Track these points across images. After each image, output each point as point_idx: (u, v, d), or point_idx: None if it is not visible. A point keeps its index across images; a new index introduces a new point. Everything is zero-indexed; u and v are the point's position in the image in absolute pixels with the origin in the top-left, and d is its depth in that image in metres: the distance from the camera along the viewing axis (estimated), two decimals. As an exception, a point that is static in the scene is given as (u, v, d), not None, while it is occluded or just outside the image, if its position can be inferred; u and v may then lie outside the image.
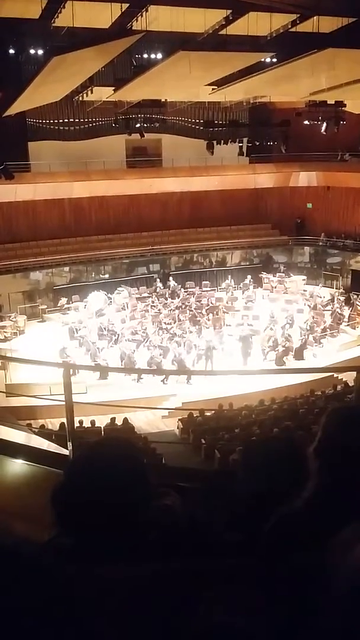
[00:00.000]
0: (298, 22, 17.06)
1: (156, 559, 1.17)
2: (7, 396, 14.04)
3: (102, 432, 12.58)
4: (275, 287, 25.09)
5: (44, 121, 25.12)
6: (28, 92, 17.93)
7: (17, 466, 3.38)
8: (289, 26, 17.55)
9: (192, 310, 21.81)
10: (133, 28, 18.04)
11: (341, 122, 22.51)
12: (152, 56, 21.65)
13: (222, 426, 13.50)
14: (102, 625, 0.81)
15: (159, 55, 20.52)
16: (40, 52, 21.68)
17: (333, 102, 22.07)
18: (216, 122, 24.82)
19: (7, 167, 21.34)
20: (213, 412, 14.71)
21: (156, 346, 18.46)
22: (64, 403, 3.58)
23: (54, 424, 13.18)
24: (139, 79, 18.36)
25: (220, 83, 20.43)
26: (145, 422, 15.31)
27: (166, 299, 23.41)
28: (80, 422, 12.24)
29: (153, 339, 19.21)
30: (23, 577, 0.70)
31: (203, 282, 25.95)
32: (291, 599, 0.95)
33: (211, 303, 22.89)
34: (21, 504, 3.41)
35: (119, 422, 13.69)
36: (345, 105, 22.33)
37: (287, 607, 0.95)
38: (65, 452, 3.62)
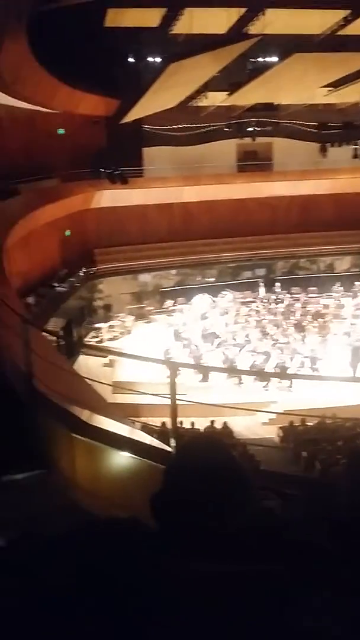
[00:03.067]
0: None
1: (253, 560, 1.17)
2: (113, 393, 14.58)
3: (202, 434, 12.69)
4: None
5: (158, 127, 25.81)
6: (145, 99, 18.54)
7: (123, 458, 3.51)
8: None
9: (297, 317, 21.39)
10: (249, 32, 18.06)
11: None
12: (268, 59, 21.54)
13: (325, 437, 13.11)
14: (185, 616, 0.82)
15: (275, 59, 20.36)
16: (158, 59, 22.32)
17: None
18: (330, 124, 24.17)
19: (123, 173, 22.19)
20: (315, 422, 14.32)
21: (259, 352, 18.31)
22: (166, 402, 3.67)
23: (155, 422, 13.47)
24: (254, 82, 18.37)
25: (337, 84, 19.91)
26: (245, 427, 15.23)
27: (271, 304, 23.14)
28: (180, 423, 12.42)
29: (256, 344, 19.07)
30: (141, 552, 0.74)
31: (310, 288, 25.33)
32: None
33: (318, 310, 22.30)
34: (124, 495, 3.55)
35: (218, 425, 13.73)
36: None
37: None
38: (168, 448, 3.71)
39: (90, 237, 24.91)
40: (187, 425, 13.04)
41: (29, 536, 0.79)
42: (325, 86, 20.33)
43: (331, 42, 18.37)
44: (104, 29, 19.27)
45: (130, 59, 23.70)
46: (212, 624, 0.88)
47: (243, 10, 17.67)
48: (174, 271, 25.25)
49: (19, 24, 11.90)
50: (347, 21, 17.44)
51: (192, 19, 17.68)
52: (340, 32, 18.21)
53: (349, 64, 17.84)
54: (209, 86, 21.49)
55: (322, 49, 17.51)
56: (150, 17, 18.61)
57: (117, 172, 21.21)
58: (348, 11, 17.10)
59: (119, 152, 22.74)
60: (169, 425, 4.21)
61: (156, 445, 3.75)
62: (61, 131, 22.84)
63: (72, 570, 0.73)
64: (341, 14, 17.33)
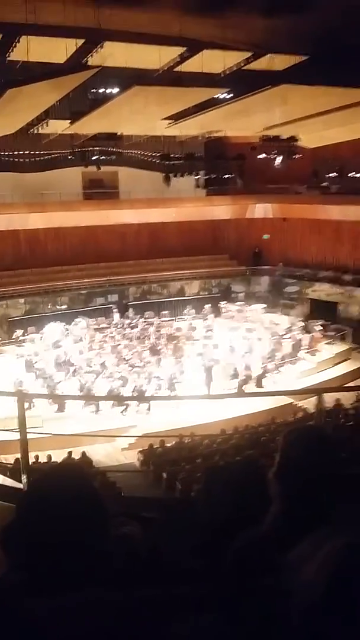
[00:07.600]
0: (252, 60, 17.66)
1: (116, 588, 1.12)
2: None
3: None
4: (234, 317, 25.32)
5: (-2, 153, 24.99)
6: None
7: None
8: (243, 64, 18.13)
9: (151, 341, 21.74)
10: (88, 63, 18.27)
11: (294, 156, 23.25)
12: (108, 91, 21.95)
13: (183, 457, 13.34)
14: None
15: (115, 90, 20.81)
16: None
17: (287, 137, 22.81)
18: (172, 155, 25.22)
19: None
20: (174, 442, 14.53)
21: (115, 377, 18.24)
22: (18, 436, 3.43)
23: (8, 459, 12.73)
24: (95, 112, 18.58)
25: (176, 117, 20.85)
26: (104, 455, 15.00)
27: (125, 329, 23.29)
28: (37, 458, 11.89)
29: (112, 369, 18.99)
30: None
31: (162, 312, 25.99)
32: (258, 620, 0.92)
33: (170, 333, 22.88)
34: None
35: (76, 456, 13.35)
36: (297, 140, 23.10)
37: (255, 629, 0.91)
38: (20, 486, 3.47)
39: None
40: (43, 458, 12.51)
41: None
42: (165, 119, 21.17)
43: (169, 77, 19.23)
44: None
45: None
46: None
47: (81, 41, 17.85)
48: (22, 300, 24.37)
49: None
50: (183, 58, 18.39)
51: (30, 47, 17.45)
52: (177, 69, 19.15)
53: (187, 98, 18.80)
54: (50, 114, 21.29)
55: (161, 83, 18.26)
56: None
57: None
58: (183, 49, 18.05)
59: None
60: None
61: (6, 484, 3.48)
62: None
63: None
64: (177, 50, 18.23)
